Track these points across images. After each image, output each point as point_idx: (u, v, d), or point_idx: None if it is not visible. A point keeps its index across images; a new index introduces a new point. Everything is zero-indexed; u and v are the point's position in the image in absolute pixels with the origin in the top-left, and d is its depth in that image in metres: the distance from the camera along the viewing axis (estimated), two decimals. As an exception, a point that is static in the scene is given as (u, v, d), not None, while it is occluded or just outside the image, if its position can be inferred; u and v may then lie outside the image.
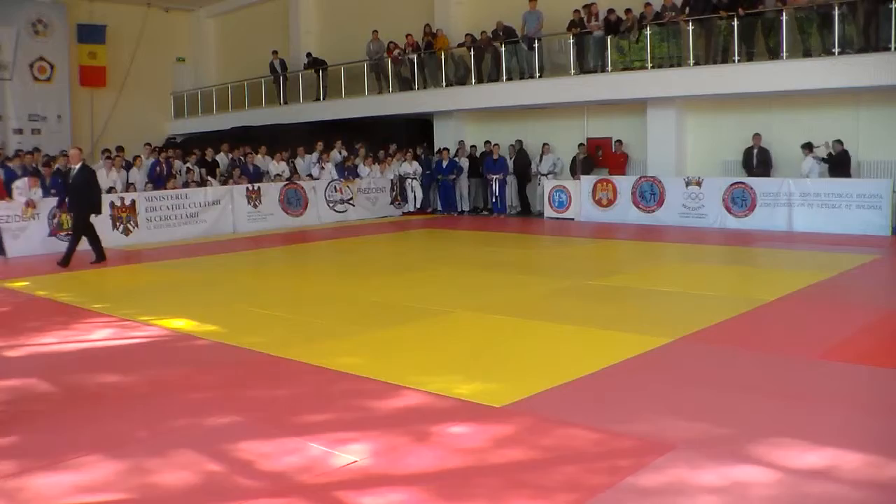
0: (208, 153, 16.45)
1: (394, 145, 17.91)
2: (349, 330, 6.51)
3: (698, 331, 6.11)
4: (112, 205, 12.99)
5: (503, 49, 16.64)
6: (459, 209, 17.38)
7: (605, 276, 9.01)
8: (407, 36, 18.55)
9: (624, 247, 12.22)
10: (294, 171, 16.40)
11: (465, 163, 17.22)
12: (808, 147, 12.95)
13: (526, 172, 16.57)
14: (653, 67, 14.49)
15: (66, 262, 10.53)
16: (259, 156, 16.53)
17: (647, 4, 14.74)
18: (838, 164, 12.73)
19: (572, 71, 15.62)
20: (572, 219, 15.17)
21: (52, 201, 12.24)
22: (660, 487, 3.34)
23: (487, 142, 16.92)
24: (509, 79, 16.61)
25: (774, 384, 4.79)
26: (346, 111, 19.41)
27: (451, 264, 10.46)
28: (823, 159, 12.86)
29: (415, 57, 18.27)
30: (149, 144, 15.76)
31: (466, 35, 17.42)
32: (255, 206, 14.90)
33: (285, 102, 21.45)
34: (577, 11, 15.80)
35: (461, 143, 17.68)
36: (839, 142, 12.80)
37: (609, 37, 15.02)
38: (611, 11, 15.09)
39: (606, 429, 4.04)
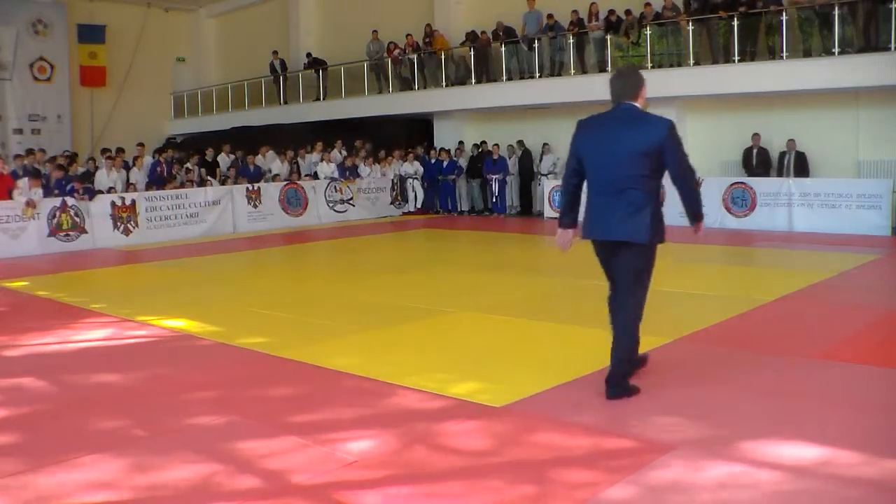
0: (208, 153, 16.45)
1: (399, 151, 17.88)
2: (349, 330, 6.51)
3: (698, 331, 6.11)
4: (112, 205, 13.00)
5: (503, 49, 16.64)
6: (459, 209, 17.38)
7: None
8: (407, 36, 18.55)
9: (624, 247, 12.19)
10: (294, 170, 16.39)
11: (464, 163, 17.23)
12: None
13: (530, 172, 16.58)
14: (653, 67, 14.48)
15: None
16: (259, 156, 16.52)
17: (647, 4, 14.75)
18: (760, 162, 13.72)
19: (573, 71, 15.62)
20: (572, 219, 15.13)
21: (53, 201, 12.26)
22: (660, 487, 3.33)
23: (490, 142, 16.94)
24: (509, 79, 16.60)
25: (774, 384, 4.78)
26: (346, 111, 19.40)
27: (451, 264, 10.46)
28: None
29: (415, 57, 18.27)
30: (141, 144, 15.71)
31: (468, 33, 17.42)
32: (255, 206, 14.91)
33: (285, 102, 21.45)
34: (550, 17, 15.84)
35: (461, 143, 17.67)
36: (792, 141, 13.29)
37: (609, 37, 15.03)
38: (611, 12, 15.10)
39: (606, 429, 4.04)
